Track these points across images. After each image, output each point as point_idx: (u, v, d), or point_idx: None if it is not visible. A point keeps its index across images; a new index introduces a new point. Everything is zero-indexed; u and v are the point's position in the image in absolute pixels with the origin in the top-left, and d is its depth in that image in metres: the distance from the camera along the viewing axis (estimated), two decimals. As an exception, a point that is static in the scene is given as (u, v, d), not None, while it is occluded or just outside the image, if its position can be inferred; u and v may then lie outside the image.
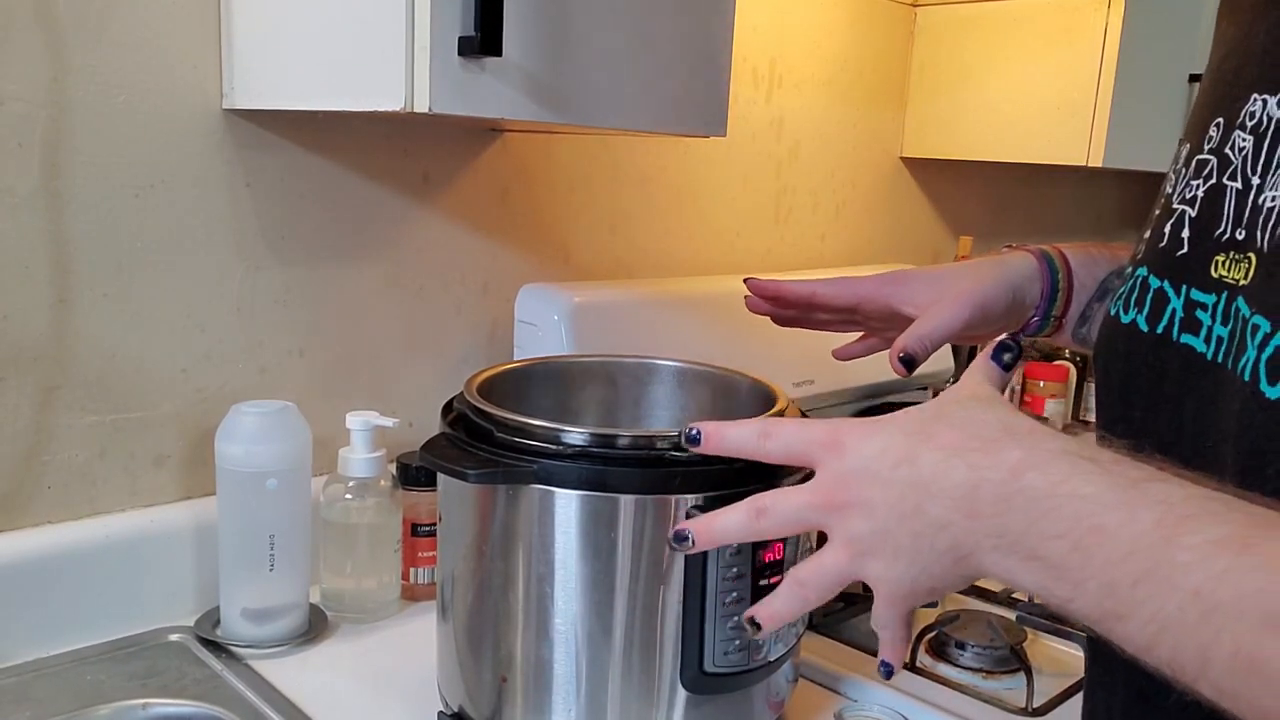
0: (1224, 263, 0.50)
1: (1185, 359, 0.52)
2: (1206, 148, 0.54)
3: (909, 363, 0.75)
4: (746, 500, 0.55)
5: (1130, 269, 0.59)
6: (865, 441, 0.51)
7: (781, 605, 0.55)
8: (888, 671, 0.55)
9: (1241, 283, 0.49)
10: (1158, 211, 0.58)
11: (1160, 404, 0.55)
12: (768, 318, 0.87)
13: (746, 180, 1.45)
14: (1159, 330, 0.55)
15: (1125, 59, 1.43)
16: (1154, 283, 0.56)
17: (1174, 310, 0.53)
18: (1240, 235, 0.50)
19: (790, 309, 0.86)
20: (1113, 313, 0.60)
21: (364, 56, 0.79)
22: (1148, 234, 0.59)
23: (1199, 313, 0.52)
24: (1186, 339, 0.52)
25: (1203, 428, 0.51)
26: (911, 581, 0.50)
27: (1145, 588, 0.40)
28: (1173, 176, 0.58)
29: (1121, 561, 0.41)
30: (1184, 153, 0.57)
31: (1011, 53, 1.54)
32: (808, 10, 1.48)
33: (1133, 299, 0.57)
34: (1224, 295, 0.50)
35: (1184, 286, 0.53)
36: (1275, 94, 0.50)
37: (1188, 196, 0.55)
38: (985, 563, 0.47)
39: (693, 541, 0.57)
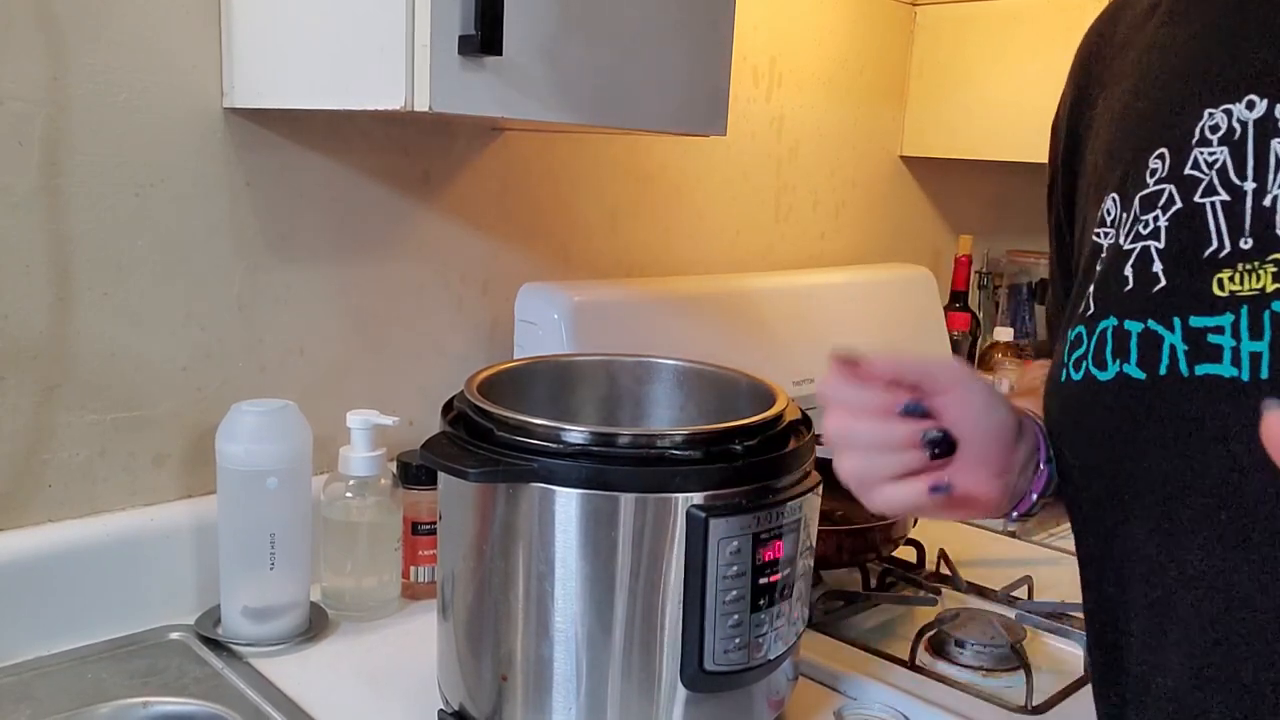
0: (1234, 277, 0.48)
1: (1210, 390, 0.49)
2: (1152, 181, 0.53)
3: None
4: None
5: (1080, 330, 0.56)
6: None
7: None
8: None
9: (1270, 288, 0.47)
10: (1098, 266, 0.55)
11: (1181, 442, 0.51)
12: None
13: (746, 179, 1.45)
14: (1161, 372, 0.51)
15: (1125, 58, 1.43)
16: (1134, 327, 0.53)
17: (1173, 346, 0.51)
18: (1246, 244, 0.48)
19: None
20: (1078, 375, 0.56)
21: (364, 55, 0.79)
22: (1091, 288, 0.56)
23: (1211, 337, 0.49)
24: (1205, 369, 0.49)
25: (1252, 451, 0.46)
26: None
27: None
28: (1102, 231, 0.55)
29: None
30: (1111, 201, 0.55)
31: (1011, 52, 1.54)
32: (808, 9, 1.48)
33: (1107, 351, 0.54)
34: (1244, 309, 0.48)
35: (1177, 319, 0.50)
36: (1236, 101, 0.49)
37: (1144, 233, 0.52)
38: None
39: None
